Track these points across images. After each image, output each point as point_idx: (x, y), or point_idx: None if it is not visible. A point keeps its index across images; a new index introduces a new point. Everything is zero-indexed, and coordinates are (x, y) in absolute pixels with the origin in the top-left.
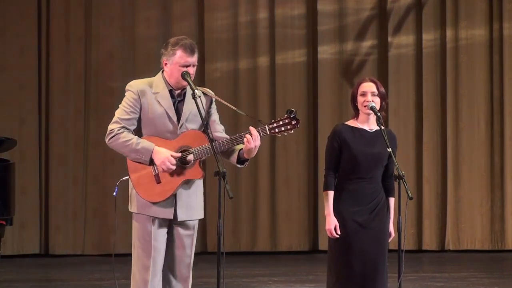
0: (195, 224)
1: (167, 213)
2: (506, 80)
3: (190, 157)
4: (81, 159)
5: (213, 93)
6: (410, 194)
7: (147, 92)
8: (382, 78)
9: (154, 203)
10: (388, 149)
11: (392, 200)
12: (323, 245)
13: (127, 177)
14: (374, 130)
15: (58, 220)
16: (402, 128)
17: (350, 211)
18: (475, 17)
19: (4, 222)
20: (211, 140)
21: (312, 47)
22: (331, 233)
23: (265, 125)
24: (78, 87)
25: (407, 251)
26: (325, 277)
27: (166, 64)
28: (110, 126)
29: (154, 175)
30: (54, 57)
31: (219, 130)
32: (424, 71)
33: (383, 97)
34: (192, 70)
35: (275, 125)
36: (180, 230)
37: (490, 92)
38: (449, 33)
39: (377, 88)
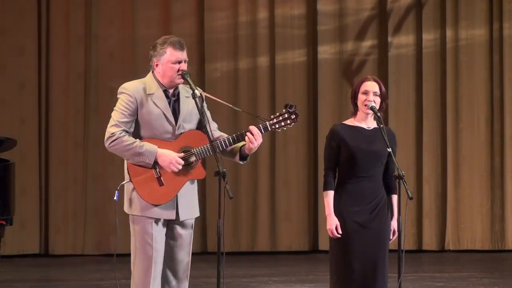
0: (193, 222)
1: (170, 214)
2: (506, 80)
3: (193, 157)
4: (81, 159)
5: (201, 90)
6: (410, 194)
7: (142, 93)
8: (382, 78)
9: (156, 205)
10: (388, 149)
11: (395, 198)
12: (323, 245)
13: (127, 181)
14: (372, 128)
15: (58, 220)
16: (402, 128)
17: (350, 211)
18: (475, 17)
19: (4, 222)
20: (211, 141)
21: (312, 47)
22: (332, 233)
23: (265, 122)
24: (78, 87)
25: (407, 251)
26: (325, 277)
27: (157, 65)
28: (110, 130)
29: (157, 177)
30: (54, 57)
31: (213, 129)
32: (424, 71)
33: (384, 97)
34: (184, 66)
35: (275, 120)
36: (179, 230)
37: (490, 92)
38: (449, 33)
39: (380, 88)
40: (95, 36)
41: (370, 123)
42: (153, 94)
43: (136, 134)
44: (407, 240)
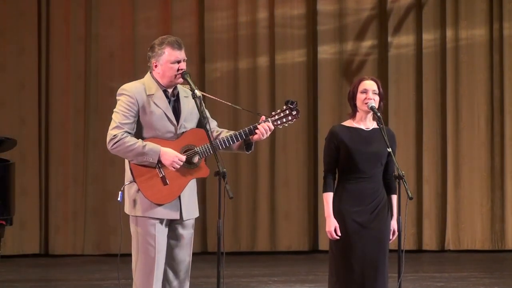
0: (193, 222)
1: (174, 214)
2: (506, 80)
3: (196, 156)
4: (81, 159)
5: (199, 90)
6: (410, 194)
7: (142, 94)
8: (382, 78)
9: (159, 205)
10: (388, 149)
11: (394, 198)
12: (323, 245)
13: (131, 182)
14: (371, 128)
15: (58, 220)
16: (402, 128)
17: (350, 211)
18: (475, 17)
19: (4, 222)
20: (211, 142)
21: (312, 47)
22: (331, 235)
23: (268, 118)
24: (78, 87)
25: (407, 251)
26: (325, 277)
27: (156, 65)
28: (112, 132)
29: (161, 177)
30: (54, 57)
31: (213, 126)
32: (424, 71)
33: (382, 97)
34: (183, 66)
35: (276, 117)
36: (181, 230)
37: (490, 92)
38: (449, 33)
39: (378, 87)
40: (95, 36)
41: (369, 124)
42: (153, 94)
43: (138, 135)
44: (407, 240)
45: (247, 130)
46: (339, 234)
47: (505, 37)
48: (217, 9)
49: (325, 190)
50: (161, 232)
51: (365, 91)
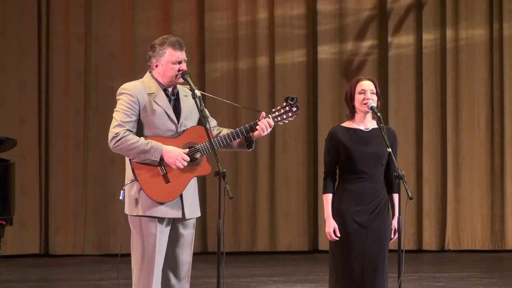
0: (194, 222)
1: (176, 213)
2: (506, 80)
3: (198, 154)
4: (81, 159)
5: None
6: (410, 194)
7: (143, 93)
8: (382, 78)
9: (161, 204)
10: (388, 149)
11: (396, 197)
12: (322, 245)
13: (132, 180)
14: (370, 128)
15: (58, 220)
16: (402, 128)
17: (350, 211)
18: (475, 17)
19: (4, 222)
20: (211, 141)
21: (312, 47)
22: (330, 236)
23: (268, 115)
24: (78, 87)
25: (407, 251)
26: (325, 277)
27: (157, 65)
28: (114, 130)
29: (163, 175)
30: (54, 57)
31: (213, 125)
32: (424, 71)
33: (379, 96)
34: (184, 66)
35: (276, 113)
36: (182, 230)
37: (490, 92)
38: (449, 33)
39: (375, 87)
40: (95, 36)
41: (368, 124)
42: (153, 93)
43: (139, 134)
44: (407, 240)
45: (247, 126)
46: (338, 235)
47: (505, 37)
48: (217, 9)
49: (325, 191)
50: (162, 232)
51: (363, 92)
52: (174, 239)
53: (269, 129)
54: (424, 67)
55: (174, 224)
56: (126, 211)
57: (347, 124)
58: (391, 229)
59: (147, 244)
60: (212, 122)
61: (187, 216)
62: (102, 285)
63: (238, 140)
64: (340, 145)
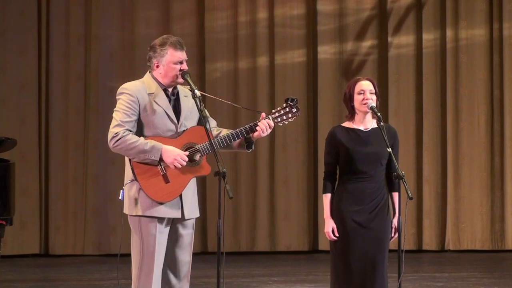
0: (194, 222)
1: (175, 213)
2: (506, 80)
3: (198, 154)
4: (81, 159)
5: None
6: (410, 194)
7: (143, 93)
8: (382, 78)
9: (161, 204)
10: (388, 149)
11: (396, 195)
12: (323, 245)
13: (132, 180)
14: (369, 129)
15: (58, 220)
16: (402, 128)
17: (350, 211)
18: (475, 17)
19: (4, 222)
20: (211, 141)
21: (312, 47)
22: (329, 236)
23: (268, 116)
24: (78, 87)
25: (407, 251)
26: (325, 277)
27: (158, 66)
28: (114, 130)
29: (162, 175)
30: (54, 57)
31: (213, 126)
32: (424, 71)
33: (378, 96)
34: (185, 66)
35: (276, 114)
36: (181, 230)
37: (490, 92)
38: (449, 33)
39: (374, 87)
40: (95, 36)
41: (368, 124)
42: (153, 93)
43: (139, 134)
44: (407, 240)
45: (247, 127)
46: (337, 235)
47: (505, 37)
48: (217, 9)
49: (324, 191)
50: (162, 232)
51: (362, 92)
52: (173, 239)
53: (269, 130)
54: (424, 67)
55: (174, 224)
56: (126, 211)
57: (346, 124)
58: (391, 228)
59: (147, 244)
60: (212, 123)
61: (186, 217)
62: (102, 285)
63: (237, 141)
64: (339, 146)
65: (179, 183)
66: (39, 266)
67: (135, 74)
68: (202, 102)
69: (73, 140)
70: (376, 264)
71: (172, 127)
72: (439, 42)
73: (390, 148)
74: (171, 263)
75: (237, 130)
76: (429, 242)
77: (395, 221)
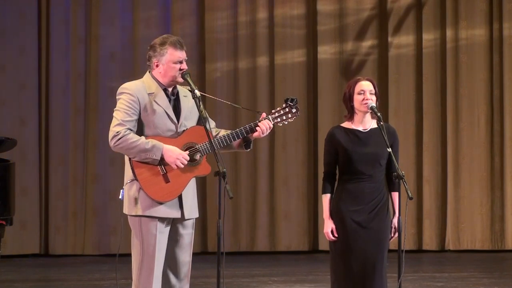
0: (193, 222)
1: (175, 213)
2: (506, 80)
3: (198, 154)
4: (81, 159)
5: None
6: (410, 194)
7: (143, 93)
8: (382, 78)
9: (161, 204)
10: (388, 149)
11: (396, 195)
12: (322, 245)
13: (132, 179)
14: (369, 128)
15: (58, 220)
16: (402, 128)
17: (349, 211)
18: (475, 17)
19: (4, 222)
20: (211, 141)
21: (312, 47)
22: (328, 236)
23: (268, 116)
24: (78, 87)
25: (407, 251)
26: (325, 277)
27: (157, 65)
28: (114, 129)
29: (162, 174)
30: (54, 57)
31: (212, 127)
32: (424, 71)
33: (378, 96)
34: (185, 66)
35: (276, 114)
36: (181, 230)
37: (490, 92)
38: (449, 33)
39: (374, 87)
40: (95, 36)
41: (367, 124)
42: (153, 93)
43: (139, 134)
44: (407, 240)
45: (248, 127)
46: (336, 235)
47: (505, 37)
48: (217, 9)
49: (324, 191)
50: (162, 232)
51: (362, 92)
52: (173, 240)
53: (269, 131)
54: (424, 67)
55: (174, 224)
56: (125, 211)
57: (346, 124)
58: (391, 228)
59: (147, 244)
60: (211, 124)
61: (186, 217)
62: (102, 285)
63: (237, 141)
64: (338, 146)
65: (179, 183)
66: (39, 266)
67: (135, 74)
68: (202, 102)
69: (73, 140)
70: (375, 264)
71: (172, 127)
72: (439, 42)
73: (389, 148)
74: (171, 263)
75: (237, 130)
76: (429, 242)
77: (395, 221)
